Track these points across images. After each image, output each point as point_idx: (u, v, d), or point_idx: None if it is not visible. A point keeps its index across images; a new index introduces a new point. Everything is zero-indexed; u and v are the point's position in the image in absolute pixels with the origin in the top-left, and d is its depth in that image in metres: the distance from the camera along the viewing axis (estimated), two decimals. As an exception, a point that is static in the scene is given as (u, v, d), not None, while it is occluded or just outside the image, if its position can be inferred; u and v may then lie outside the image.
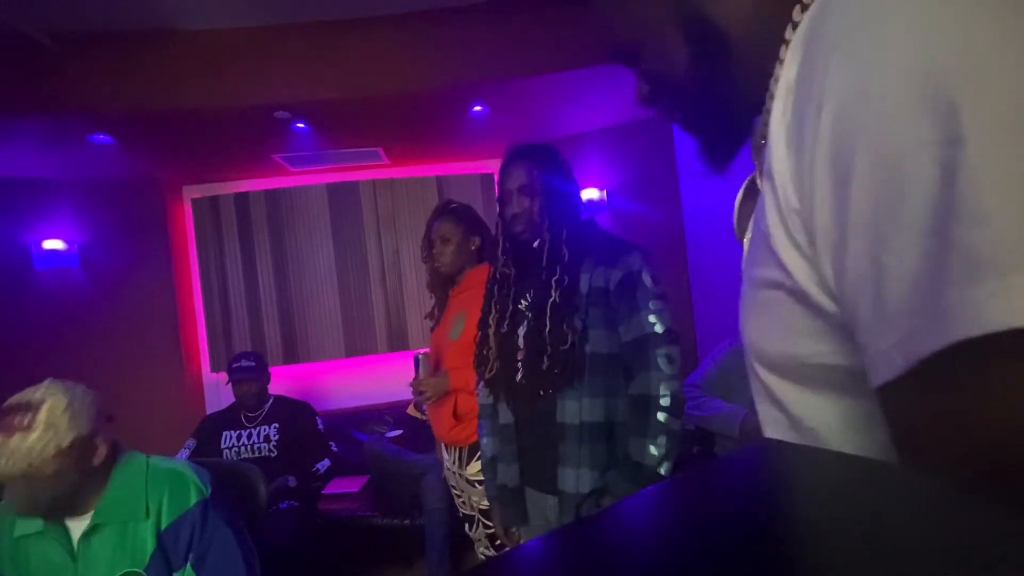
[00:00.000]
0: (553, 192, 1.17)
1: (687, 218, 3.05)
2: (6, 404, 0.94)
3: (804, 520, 0.18)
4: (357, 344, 3.25)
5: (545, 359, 1.10)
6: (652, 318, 1.08)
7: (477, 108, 2.58)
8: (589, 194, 3.12)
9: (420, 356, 1.57)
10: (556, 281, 1.12)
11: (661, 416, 1.04)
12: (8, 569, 1.04)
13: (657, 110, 0.46)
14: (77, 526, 1.03)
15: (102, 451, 1.01)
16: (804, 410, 0.34)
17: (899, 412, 0.24)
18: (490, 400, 1.27)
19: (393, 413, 3.02)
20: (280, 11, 2.12)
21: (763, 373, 0.36)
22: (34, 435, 0.92)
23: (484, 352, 1.24)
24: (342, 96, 2.27)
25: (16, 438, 0.91)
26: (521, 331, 1.17)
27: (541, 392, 1.12)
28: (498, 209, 1.23)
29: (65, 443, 0.95)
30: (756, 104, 0.37)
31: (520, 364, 1.16)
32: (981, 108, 0.20)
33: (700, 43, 0.39)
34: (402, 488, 2.48)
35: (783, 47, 0.33)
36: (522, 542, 1.27)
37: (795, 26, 0.32)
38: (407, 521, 2.44)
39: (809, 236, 0.28)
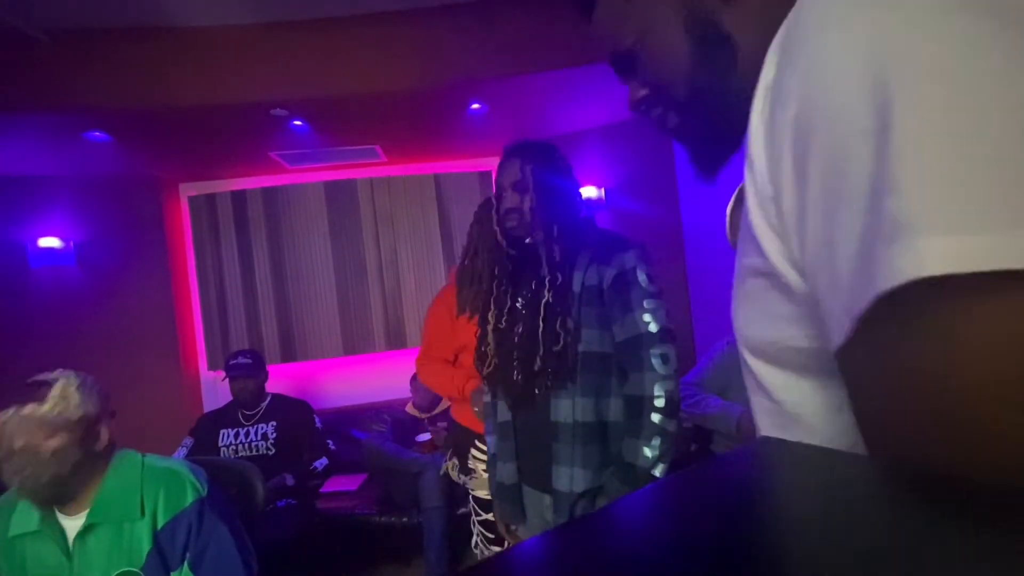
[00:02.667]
0: (547, 188, 1.16)
1: (685, 216, 3.05)
2: (27, 382, 1.00)
3: (801, 519, 0.18)
4: (355, 342, 3.24)
5: (538, 359, 1.10)
6: (646, 317, 1.06)
7: (475, 106, 2.58)
8: (587, 192, 3.12)
9: None
10: (549, 280, 1.12)
11: (655, 417, 1.03)
12: (3, 569, 1.03)
13: (650, 117, 0.46)
14: (72, 525, 1.02)
15: (105, 437, 1.05)
16: (786, 395, 0.36)
17: (847, 373, 0.27)
18: (489, 397, 1.28)
19: (391, 412, 3.02)
20: (277, 8, 2.11)
21: (751, 360, 0.38)
22: (46, 406, 0.97)
23: (483, 349, 1.24)
24: (339, 94, 2.26)
25: (29, 408, 0.96)
26: (518, 329, 1.17)
27: (536, 391, 1.12)
28: (494, 205, 1.23)
29: (73, 417, 0.99)
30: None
31: (516, 362, 1.16)
32: (911, 102, 0.23)
33: (707, 47, 0.40)
34: (400, 486, 2.48)
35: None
36: (521, 539, 1.27)
37: None
38: (405, 519, 2.44)
39: (780, 219, 0.30)
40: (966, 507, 0.17)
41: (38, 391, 0.98)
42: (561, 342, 1.08)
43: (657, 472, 1.02)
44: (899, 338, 0.23)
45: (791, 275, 0.31)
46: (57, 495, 1.01)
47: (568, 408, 1.09)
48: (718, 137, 0.44)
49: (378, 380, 3.36)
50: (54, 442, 0.97)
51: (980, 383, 0.21)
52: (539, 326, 1.11)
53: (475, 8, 2.22)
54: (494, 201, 1.24)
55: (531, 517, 1.20)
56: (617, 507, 0.21)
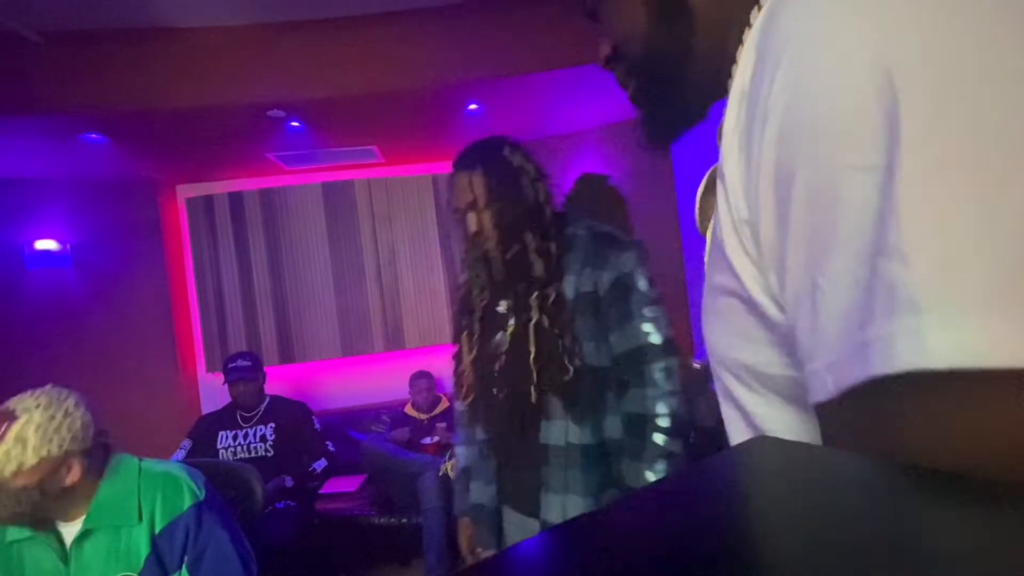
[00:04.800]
0: (507, 200, 1.02)
1: (683, 216, 3.05)
2: None
3: (799, 518, 0.18)
4: (353, 343, 3.24)
5: (532, 389, 0.99)
6: (647, 327, 0.96)
7: (472, 106, 2.58)
8: (585, 192, 3.12)
9: None
10: (537, 298, 0.99)
11: (659, 439, 0.94)
12: (1, 574, 1.03)
13: (615, 75, 0.45)
14: (69, 531, 1.02)
15: (76, 472, 0.97)
16: (756, 409, 0.34)
17: (828, 432, 0.25)
18: (465, 409, 1.16)
19: (390, 412, 3.02)
20: (274, 9, 2.10)
21: (723, 374, 0.36)
22: (1, 449, 0.91)
23: (460, 373, 1.13)
24: (337, 94, 2.26)
25: None
26: (502, 357, 1.05)
27: (524, 415, 1.01)
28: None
29: (29, 462, 0.92)
30: (717, 88, 0.36)
31: (503, 393, 1.04)
32: (925, 137, 0.19)
33: (664, 10, 0.38)
34: (399, 487, 2.48)
35: (740, 48, 0.31)
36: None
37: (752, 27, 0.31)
38: (404, 520, 2.44)
39: (758, 247, 0.27)
40: (961, 501, 0.17)
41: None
42: (528, 380, 0.97)
43: None
44: (892, 418, 0.21)
45: (769, 307, 0.28)
46: (32, 523, 0.98)
47: (560, 430, 0.98)
48: (672, 104, 0.42)
49: (377, 381, 3.36)
50: (8, 485, 0.92)
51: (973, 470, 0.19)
52: (530, 351, 0.98)
53: (472, 8, 2.22)
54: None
55: (512, 542, 1.05)
56: (614, 508, 0.21)
